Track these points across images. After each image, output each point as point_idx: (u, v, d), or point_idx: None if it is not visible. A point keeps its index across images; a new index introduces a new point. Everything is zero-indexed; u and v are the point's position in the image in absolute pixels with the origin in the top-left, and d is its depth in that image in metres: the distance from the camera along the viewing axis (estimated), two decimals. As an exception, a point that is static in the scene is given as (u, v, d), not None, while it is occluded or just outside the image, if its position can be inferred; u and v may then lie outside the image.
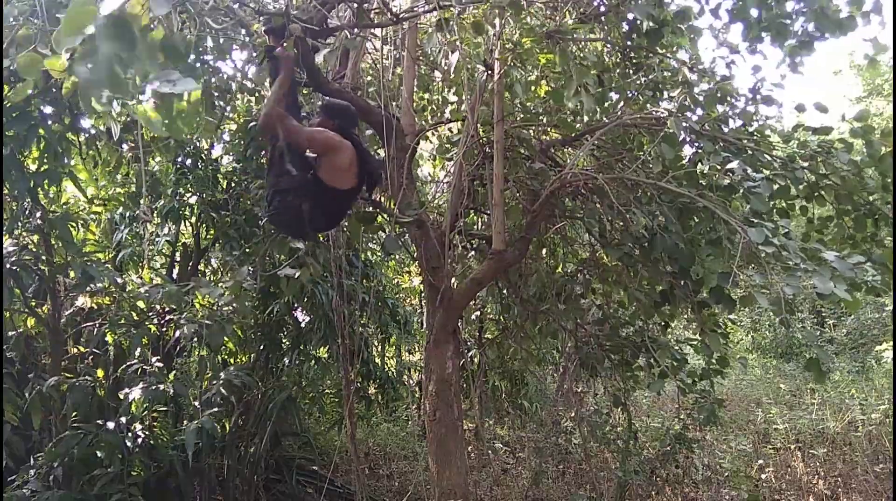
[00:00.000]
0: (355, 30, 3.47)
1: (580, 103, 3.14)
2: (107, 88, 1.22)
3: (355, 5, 3.39)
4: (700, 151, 3.59)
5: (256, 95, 4.68)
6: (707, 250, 3.44)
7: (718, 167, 3.50)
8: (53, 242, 4.17)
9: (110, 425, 3.91)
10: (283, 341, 5.62)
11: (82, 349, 4.54)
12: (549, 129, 4.71)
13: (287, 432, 5.61)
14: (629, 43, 4.04)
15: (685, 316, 4.87)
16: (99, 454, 3.81)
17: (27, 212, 4.10)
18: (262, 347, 5.42)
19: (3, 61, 2.06)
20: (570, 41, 3.46)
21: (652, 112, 3.95)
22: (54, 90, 3.42)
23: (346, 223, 4.46)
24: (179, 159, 5.24)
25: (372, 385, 6.43)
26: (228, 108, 4.71)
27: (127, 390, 4.04)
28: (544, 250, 5.23)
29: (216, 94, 4.02)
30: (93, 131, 4.23)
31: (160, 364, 4.36)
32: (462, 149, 4.05)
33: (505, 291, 5.37)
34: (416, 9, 3.52)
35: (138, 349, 4.28)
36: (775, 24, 3.36)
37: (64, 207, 5.13)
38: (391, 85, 4.52)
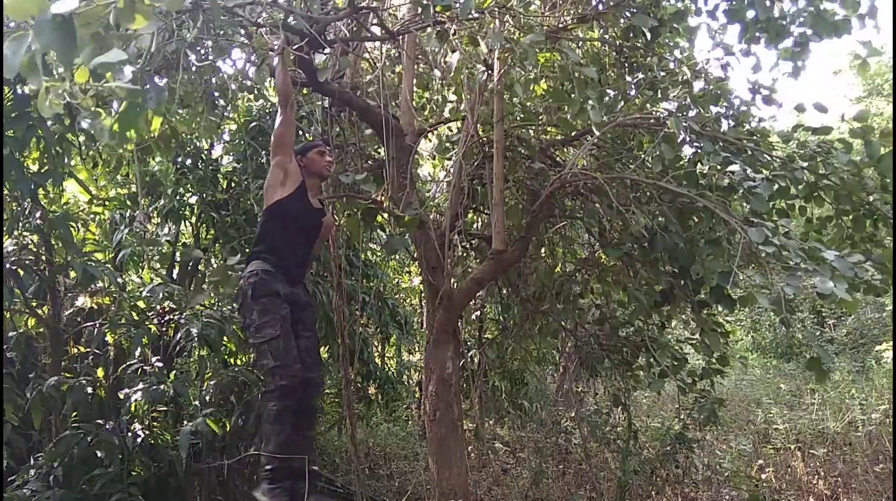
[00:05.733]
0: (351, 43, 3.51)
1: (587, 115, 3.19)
2: (24, 73, 1.25)
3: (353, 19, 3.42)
4: (700, 151, 3.60)
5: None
6: (707, 250, 3.44)
7: (718, 167, 3.50)
8: (53, 242, 4.17)
9: (110, 425, 3.91)
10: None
11: (82, 349, 4.54)
12: (548, 128, 4.71)
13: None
14: (627, 42, 4.04)
15: (685, 316, 4.87)
16: (99, 454, 3.81)
17: (27, 212, 4.10)
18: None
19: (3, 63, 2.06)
20: (569, 41, 3.47)
21: (652, 112, 3.95)
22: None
23: (345, 222, 4.47)
24: (179, 159, 5.25)
25: (372, 385, 6.43)
26: (228, 108, 4.71)
27: (127, 390, 4.04)
28: (543, 250, 5.23)
29: (217, 93, 4.02)
30: (93, 132, 4.23)
31: (160, 364, 4.36)
32: (462, 149, 4.06)
33: (505, 291, 5.37)
34: (412, 23, 3.53)
35: (138, 349, 4.28)
36: (772, 26, 3.37)
37: (64, 207, 5.13)
38: (391, 82, 4.53)
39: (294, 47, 3.20)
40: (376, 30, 3.88)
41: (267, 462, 2.87)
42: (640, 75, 4.15)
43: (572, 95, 3.44)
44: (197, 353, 4.58)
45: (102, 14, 1.32)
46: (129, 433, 3.94)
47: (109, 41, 1.37)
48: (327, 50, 3.82)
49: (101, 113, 1.47)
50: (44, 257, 4.19)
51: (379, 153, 4.74)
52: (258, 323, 2.94)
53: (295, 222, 3.23)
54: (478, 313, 6.55)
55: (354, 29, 3.91)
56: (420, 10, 3.16)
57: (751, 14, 3.38)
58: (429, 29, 3.19)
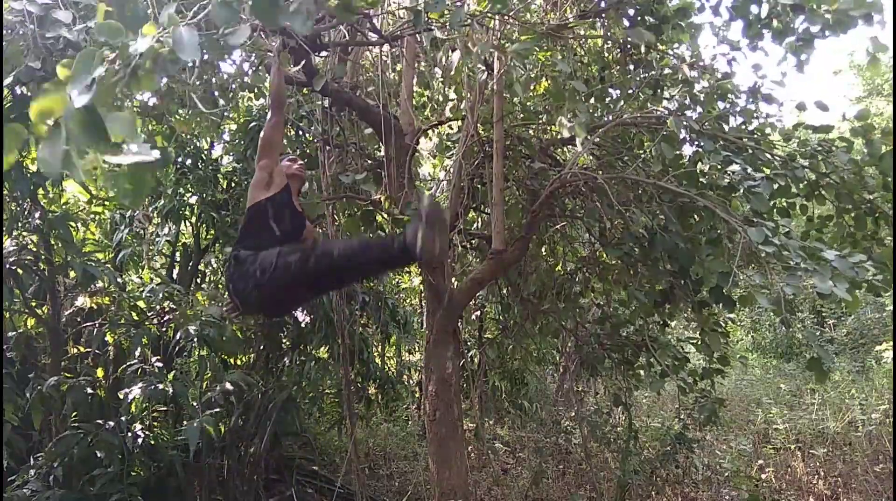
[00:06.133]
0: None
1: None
2: (63, 170, 1.30)
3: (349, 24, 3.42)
4: (700, 150, 3.59)
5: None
6: (707, 249, 3.44)
7: (719, 166, 3.50)
8: (53, 242, 4.16)
9: (110, 425, 3.91)
10: (283, 341, 5.62)
11: (82, 349, 4.54)
12: (548, 128, 4.71)
13: (287, 432, 5.61)
14: (629, 39, 4.03)
15: (685, 316, 4.87)
16: (99, 454, 3.81)
17: (27, 212, 4.10)
18: (262, 347, 5.41)
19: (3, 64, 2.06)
20: (570, 39, 3.47)
21: (652, 111, 3.95)
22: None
23: (345, 222, 4.47)
24: (179, 159, 5.24)
25: (372, 385, 6.42)
26: (228, 107, 4.71)
27: (127, 390, 4.04)
28: (544, 249, 5.23)
29: (217, 93, 4.01)
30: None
31: (160, 364, 4.35)
32: (462, 148, 4.05)
33: (505, 290, 5.37)
34: (405, 28, 3.53)
35: (138, 349, 4.28)
36: (772, 23, 3.37)
37: (64, 207, 5.13)
38: (391, 80, 4.52)
39: (289, 49, 3.19)
40: (372, 31, 3.88)
41: (407, 243, 2.64)
42: (643, 73, 4.14)
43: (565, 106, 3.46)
44: (197, 353, 4.57)
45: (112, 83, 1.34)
46: (129, 433, 3.93)
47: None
48: (324, 53, 3.82)
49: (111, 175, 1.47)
50: (44, 257, 4.19)
51: (379, 153, 4.74)
52: (258, 267, 2.83)
53: (277, 221, 3.21)
54: (478, 313, 6.55)
55: (351, 29, 3.90)
56: (413, 16, 3.15)
57: (755, 10, 3.37)
58: (422, 34, 3.19)
